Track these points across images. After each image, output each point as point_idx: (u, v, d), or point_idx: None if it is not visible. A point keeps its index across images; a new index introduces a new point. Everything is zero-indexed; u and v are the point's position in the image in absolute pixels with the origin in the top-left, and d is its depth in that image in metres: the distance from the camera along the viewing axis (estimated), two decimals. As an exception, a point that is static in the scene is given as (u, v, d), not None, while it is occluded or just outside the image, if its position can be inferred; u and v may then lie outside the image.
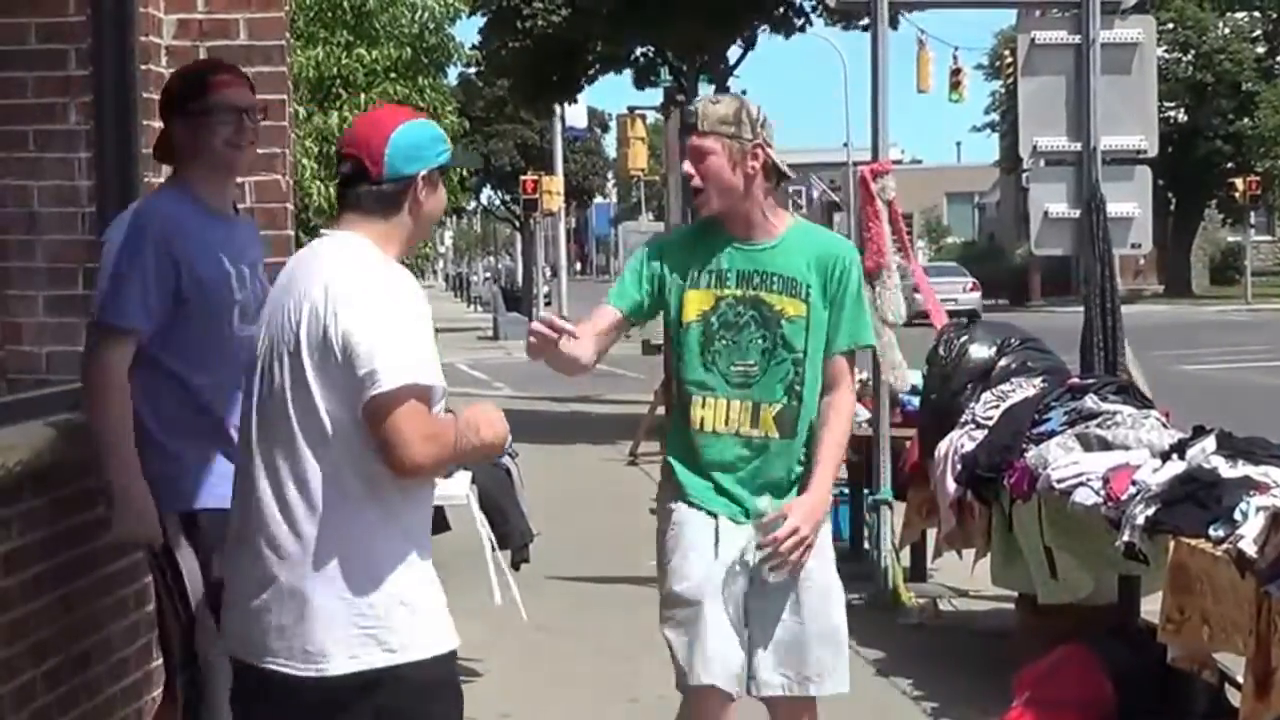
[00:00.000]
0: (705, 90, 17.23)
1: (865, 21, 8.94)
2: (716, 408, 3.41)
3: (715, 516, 3.43)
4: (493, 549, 5.44)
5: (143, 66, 3.98)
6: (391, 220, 2.67)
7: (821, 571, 3.45)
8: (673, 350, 3.48)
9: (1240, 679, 4.30)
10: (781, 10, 15.90)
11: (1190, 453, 4.37)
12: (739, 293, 3.43)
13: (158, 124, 4.07)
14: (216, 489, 3.18)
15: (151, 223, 3.24)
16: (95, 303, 3.29)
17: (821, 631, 3.43)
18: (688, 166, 3.42)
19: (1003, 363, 6.07)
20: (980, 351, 6.12)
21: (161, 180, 4.07)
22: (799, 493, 3.42)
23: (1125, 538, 4.35)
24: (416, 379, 2.53)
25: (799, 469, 3.45)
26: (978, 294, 33.95)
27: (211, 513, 3.17)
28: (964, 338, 6.23)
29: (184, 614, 3.27)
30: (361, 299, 2.55)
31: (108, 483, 3.22)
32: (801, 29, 16.50)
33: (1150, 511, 4.28)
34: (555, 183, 31.63)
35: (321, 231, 2.78)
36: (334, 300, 2.55)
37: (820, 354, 3.44)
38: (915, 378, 6.99)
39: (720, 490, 3.44)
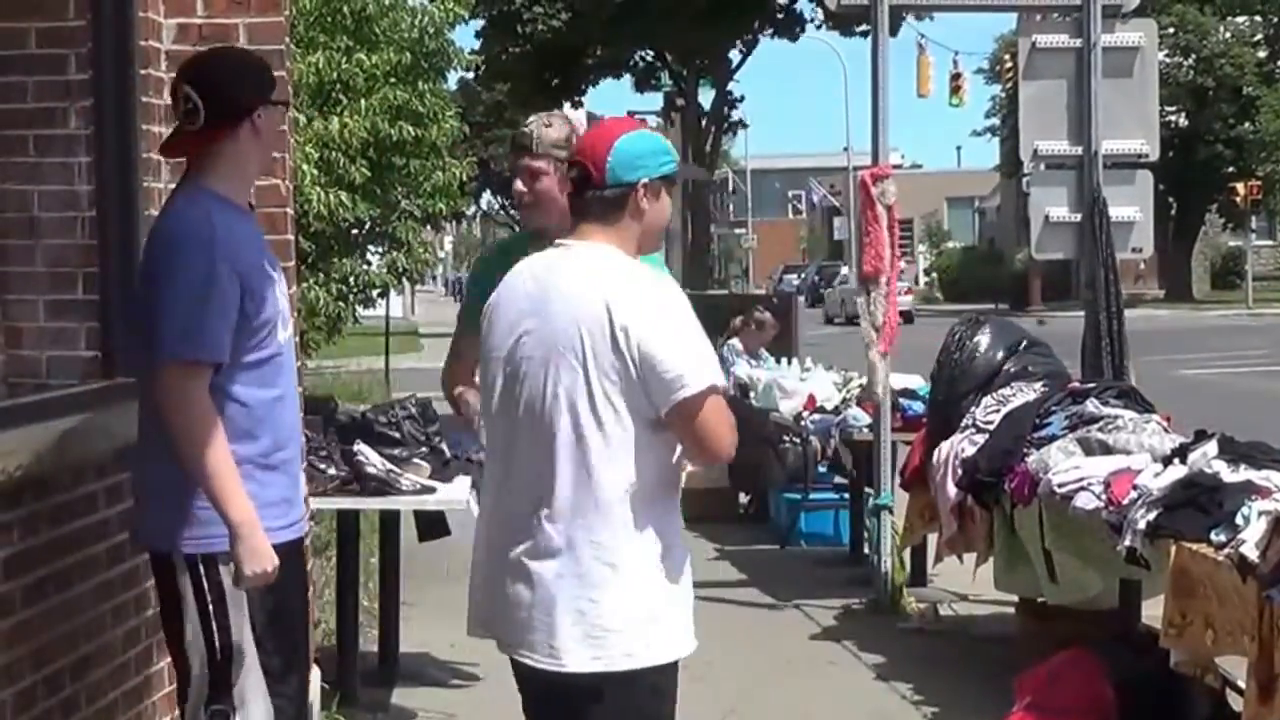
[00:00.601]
0: (706, 94, 17.29)
1: (865, 26, 8.94)
2: None
3: None
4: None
5: (142, 71, 3.98)
6: (618, 226, 2.82)
7: None
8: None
9: (1241, 683, 4.30)
10: (781, 15, 15.92)
11: (1192, 457, 4.37)
12: None
13: (158, 128, 4.08)
14: (277, 520, 3.13)
15: (217, 242, 3.03)
16: (168, 334, 3.01)
17: None
18: (520, 184, 3.64)
19: (1005, 367, 6.07)
20: (991, 354, 6.08)
21: (162, 185, 4.08)
22: None
23: (1127, 542, 4.35)
24: (715, 379, 2.75)
25: None
26: (910, 297, 34.70)
27: (281, 548, 3.12)
28: (976, 338, 6.17)
29: (221, 646, 3.13)
30: (649, 311, 2.73)
31: (230, 523, 3.04)
32: (801, 33, 16.52)
33: (1152, 516, 4.28)
34: (555, 187, 31.59)
35: (559, 241, 2.88)
36: (622, 313, 2.71)
37: None
38: (908, 381, 6.98)
39: None
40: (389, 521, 5.79)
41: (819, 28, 16.64)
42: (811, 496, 8.63)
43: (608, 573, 2.72)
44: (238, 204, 3.17)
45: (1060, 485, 4.80)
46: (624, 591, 2.72)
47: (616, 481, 2.71)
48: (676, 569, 2.81)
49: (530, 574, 2.76)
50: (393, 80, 10.81)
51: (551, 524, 2.73)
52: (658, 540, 2.76)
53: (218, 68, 3.22)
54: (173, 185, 4.10)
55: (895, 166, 8.71)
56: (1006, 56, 29.89)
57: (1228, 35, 39.97)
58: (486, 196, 42.26)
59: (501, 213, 43.31)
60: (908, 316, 23.41)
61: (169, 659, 3.91)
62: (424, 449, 5.43)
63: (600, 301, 2.71)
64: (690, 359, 2.72)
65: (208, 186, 3.14)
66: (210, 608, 3.12)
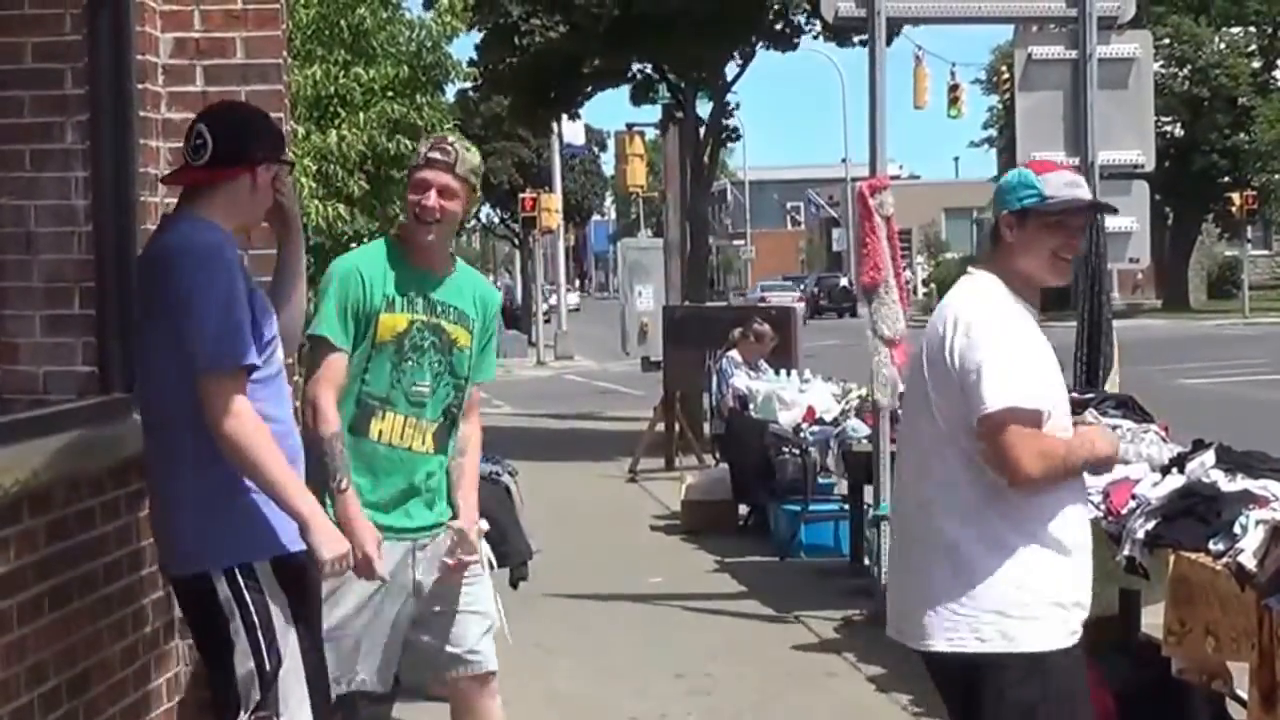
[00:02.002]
0: (704, 106, 17.30)
1: (862, 38, 8.96)
2: (394, 423, 3.69)
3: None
4: (491, 568, 5.42)
5: (139, 85, 3.98)
6: (998, 257, 3.12)
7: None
8: (357, 367, 3.67)
9: (1241, 692, 4.29)
10: (779, 27, 15.94)
11: (1189, 467, 4.36)
12: (425, 318, 3.73)
13: (155, 143, 4.08)
14: (289, 532, 3.15)
15: (227, 262, 3.13)
16: (203, 349, 3.06)
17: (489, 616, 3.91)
18: (433, 198, 3.67)
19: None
20: None
21: (159, 199, 4.08)
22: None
23: (1126, 552, 4.35)
24: (1018, 403, 2.95)
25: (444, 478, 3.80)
26: (803, 304, 35.29)
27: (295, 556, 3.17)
28: None
29: (271, 660, 3.15)
30: (976, 329, 3.00)
31: (300, 516, 3.12)
32: (796, 45, 16.54)
33: (1150, 526, 4.28)
34: (554, 200, 31.70)
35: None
36: (955, 328, 3.02)
37: (470, 383, 3.80)
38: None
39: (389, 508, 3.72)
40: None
41: (816, 38, 16.65)
42: (811, 508, 8.63)
43: (957, 562, 3.01)
44: (229, 230, 3.25)
45: (1059, 495, 4.79)
46: (976, 580, 3.02)
47: (962, 479, 3.02)
48: (1043, 558, 3.04)
49: (912, 563, 3.12)
50: (390, 94, 10.83)
51: (926, 517, 3.06)
52: (1023, 538, 3.02)
53: (235, 116, 3.40)
54: (171, 200, 4.11)
55: (893, 177, 8.74)
56: (1004, 68, 29.95)
57: (1223, 46, 40.04)
58: (486, 209, 42.34)
59: (501, 225, 43.36)
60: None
61: (167, 675, 3.91)
62: (422, 462, 5.41)
63: (952, 315, 3.06)
64: (994, 380, 2.96)
65: (203, 215, 3.22)
66: (254, 616, 3.14)
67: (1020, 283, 3.07)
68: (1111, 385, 6.59)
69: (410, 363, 3.70)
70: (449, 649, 3.85)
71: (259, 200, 3.28)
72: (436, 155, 3.71)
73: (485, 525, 3.97)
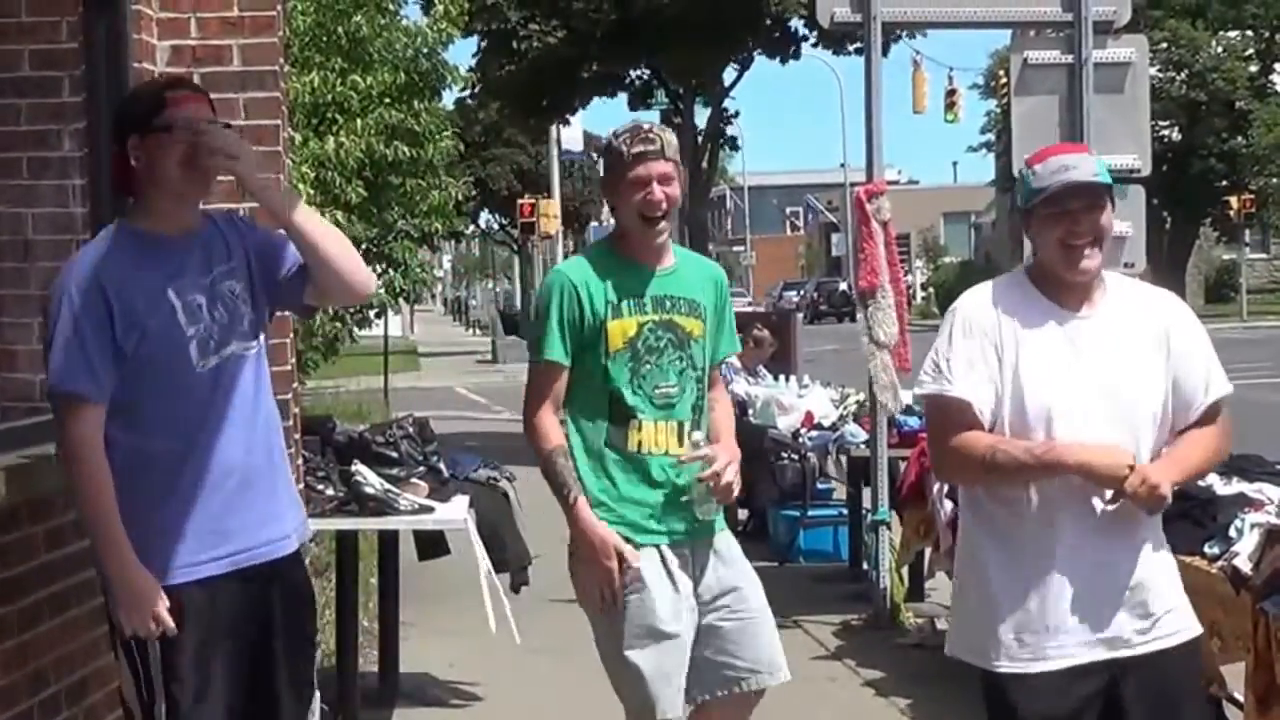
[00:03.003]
0: (701, 112, 17.33)
1: (858, 46, 8.96)
2: (649, 430, 3.53)
3: (657, 546, 3.54)
4: (488, 573, 5.43)
5: (137, 93, 3.99)
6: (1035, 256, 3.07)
7: (749, 574, 3.70)
8: (597, 380, 3.52)
9: (1237, 695, 4.29)
10: (776, 34, 15.96)
11: (1186, 470, 4.35)
12: (655, 317, 3.55)
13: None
14: (195, 555, 2.95)
15: (78, 274, 2.93)
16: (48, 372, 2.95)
17: (771, 627, 3.66)
18: (657, 190, 3.46)
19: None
20: None
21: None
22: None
23: (1122, 556, 4.34)
24: (938, 392, 2.94)
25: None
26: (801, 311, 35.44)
27: (184, 587, 2.93)
28: None
29: (145, 698, 2.95)
30: (944, 320, 3.03)
31: (100, 573, 2.94)
32: (795, 55, 16.56)
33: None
34: (552, 206, 31.70)
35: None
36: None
37: (709, 369, 3.67)
38: (909, 398, 6.98)
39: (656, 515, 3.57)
40: (388, 541, 5.79)
41: (814, 45, 16.64)
42: (810, 513, 8.62)
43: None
44: (151, 230, 3.00)
45: (1056, 499, 4.79)
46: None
47: None
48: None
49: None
50: (388, 100, 10.84)
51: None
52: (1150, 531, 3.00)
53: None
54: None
55: (891, 182, 8.75)
56: (1001, 72, 29.97)
57: (1220, 50, 40.06)
58: (485, 215, 42.33)
59: (500, 231, 43.36)
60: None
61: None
62: (421, 468, 5.43)
63: None
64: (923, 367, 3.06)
65: (126, 218, 3.07)
66: (139, 665, 2.95)
67: (1048, 281, 2.93)
68: None
69: (649, 366, 3.53)
70: (738, 661, 3.59)
71: (157, 173, 2.97)
72: (643, 147, 3.47)
73: (731, 473, 3.56)
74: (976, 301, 2.97)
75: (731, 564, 3.64)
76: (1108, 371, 2.87)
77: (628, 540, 3.51)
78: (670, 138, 3.54)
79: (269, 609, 3.05)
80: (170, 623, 2.88)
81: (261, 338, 3.12)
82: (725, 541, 3.67)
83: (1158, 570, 2.96)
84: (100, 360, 2.88)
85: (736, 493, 3.59)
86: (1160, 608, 2.94)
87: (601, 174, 3.67)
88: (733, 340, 3.74)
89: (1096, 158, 2.99)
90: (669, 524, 3.55)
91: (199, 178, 3.01)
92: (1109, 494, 2.84)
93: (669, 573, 3.53)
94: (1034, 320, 2.90)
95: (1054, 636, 2.86)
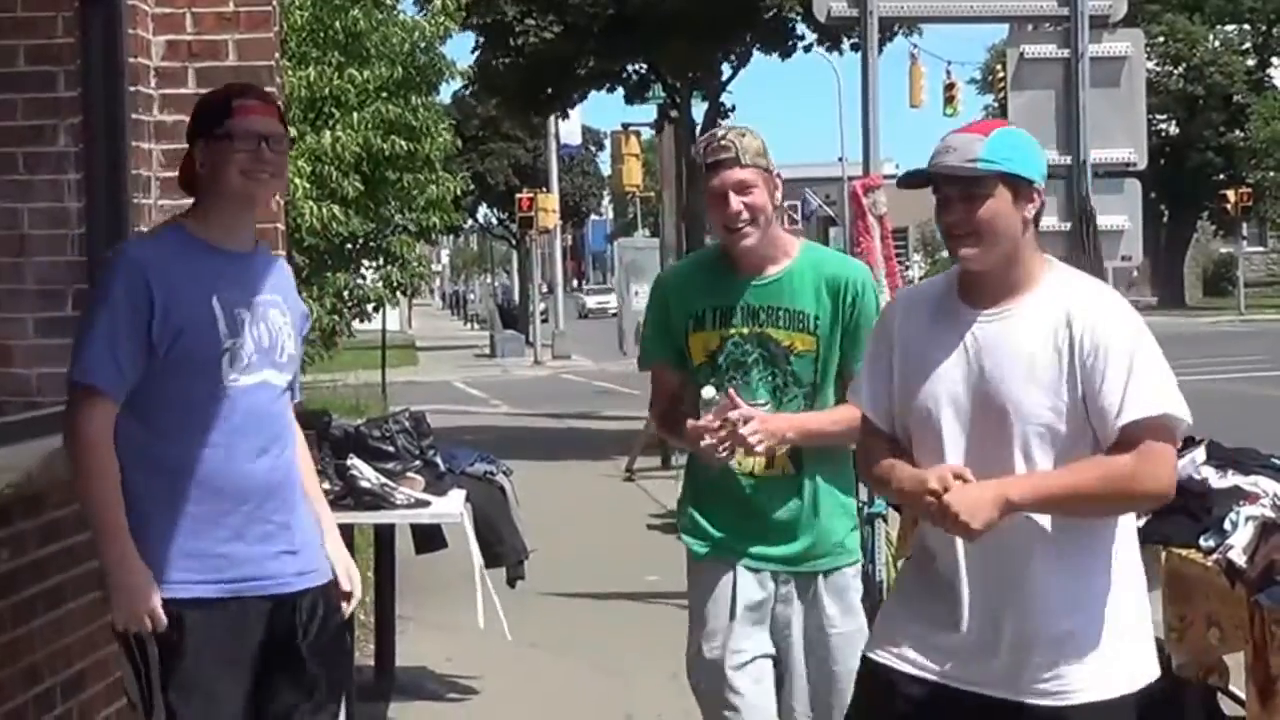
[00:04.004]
0: (699, 107, 17.31)
1: (854, 42, 8.96)
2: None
3: (733, 566, 3.37)
4: (482, 569, 5.43)
5: (131, 88, 3.99)
6: None
7: (845, 620, 3.39)
8: (691, 395, 3.35)
9: (1234, 689, 4.30)
10: (770, 20, 15.91)
11: (1180, 463, 4.35)
12: (744, 330, 3.35)
13: (148, 145, 4.09)
14: (187, 574, 2.88)
15: (126, 265, 2.93)
16: (72, 358, 2.93)
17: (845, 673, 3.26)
18: (734, 202, 3.28)
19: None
20: None
21: (152, 201, 4.09)
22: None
23: (1117, 549, 4.35)
24: (860, 403, 2.79)
25: (830, 505, 3.37)
26: None
27: (180, 604, 2.85)
28: None
29: (145, 696, 2.89)
30: None
31: (106, 571, 2.87)
32: (791, 51, 16.54)
33: (1141, 523, 4.28)
34: (550, 200, 31.68)
35: None
36: None
37: (832, 383, 3.36)
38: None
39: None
40: (384, 535, 5.79)
41: (808, 50, 16.65)
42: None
43: None
44: (207, 239, 2.97)
45: (1052, 493, 4.80)
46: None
47: None
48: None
49: None
50: (385, 95, 10.84)
51: None
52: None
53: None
54: (163, 202, 4.12)
55: (888, 176, 8.74)
56: (998, 67, 29.98)
57: (1217, 44, 40.10)
58: (483, 210, 42.32)
59: (498, 226, 43.34)
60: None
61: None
62: (418, 462, 5.43)
63: None
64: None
65: (183, 217, 3.06)
66: (135, 653, 2.89)
67: (962, 275, 2.69)
68: None
69: (736, 382, 3.30)
70: (796, 707, 3.36)
71: (219, 181, 2.94)
72: (716, 156, 3.31)
73: (749, 429, 3.23)
74: (894, 302, 2.85)
75: (832, 619, 3.35)
76: (996, 379, 2.58)
77: (708, 555, 3.35)
78: (749, 142, 3.33)
79: (283, 644, 2.96)
80: (163, 620, 2.83)
81: (293, 381, 3.07)
82: (840, 586, 3.38)
83: (1076, 613, 2.58)
84: (128, 358, 2.86)
85: (754, 451, 3.25)
86: (1060, 658, 2.57)
87: None
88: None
89: (1001, 138, 2.64)
90: (750, 546, 3.34)
91: (253, 187, 2.98)
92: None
93: (734, 596, 3.33)
94: (935, 320, 2.67)
95: (936, 653, 2.64)
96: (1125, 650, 2.62)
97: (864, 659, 2.75)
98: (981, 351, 2.60)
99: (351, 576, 3.16)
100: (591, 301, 56.41)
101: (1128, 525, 2.68)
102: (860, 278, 3.40)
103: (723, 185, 3.30)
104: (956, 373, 2.61)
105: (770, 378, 3.34)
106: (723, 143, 3.33)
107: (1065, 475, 2.55)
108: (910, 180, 2.71)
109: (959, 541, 2.58)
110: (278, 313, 3.02)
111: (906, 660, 2.66)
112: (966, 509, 2.51)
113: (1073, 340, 2.57)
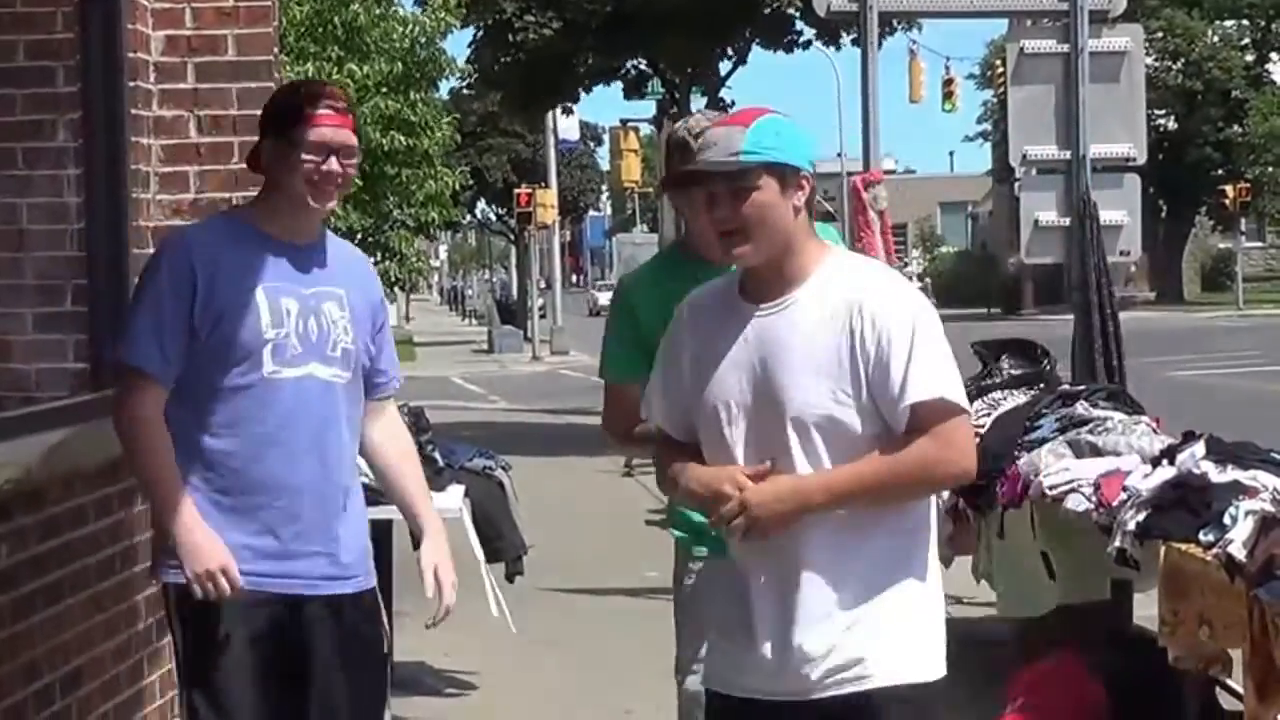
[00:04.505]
0: (698, 103, 17.29)
1: (854, 38, 8.96)
2: None
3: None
4: (483, 563, 5.43)
5: (131, 83, 3.99)
6: None
7: None
8: None
9: (1233, 683, 4.31)
10: (769, 13, 15.90)
11: (1180, 458, 4.37)
12: None
13: (147, 140, 4.09)
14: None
15: (171, 247, 2.94)
16: (118, 339, 2.97)
17: None
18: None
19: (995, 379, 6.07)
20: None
21: (150, 196, 4.09)
22: None
23: (1117, 544, 4.36)
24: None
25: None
26: None
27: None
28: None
29: (182, 699, 2.91)
30: None
31: (167, 532, 2.83)
32: (790, 48, 16.55)
33: (1141, 517, 4.29)
34: (549, 196, 31.69)
35: None
36: None
37: None
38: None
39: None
40: (382, 530, 5.79)
41: (807, 46, 16.65)
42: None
43: None
44: (263, 230, 2.94)
45: (1051, 487, 4.81)
46: None
47: None
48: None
49: None
50: (384, 90, 10.85)
51: None
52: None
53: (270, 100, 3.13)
54: (161, 196, 4.12)
55: (888, 172, 8.78)
56: (997, 62, 29.99)
57: (1216, 39, 40.10)
58: (481, 205, 42.32)
59: (497, 221, 43.33)
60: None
61: (160, 672, 3.91)
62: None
63: None
64: None
65: (236, 209, 3.05)
66: (179, 642, 2.90)
67: (741, 270, 2.60)
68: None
69: None
70: None
71: (282, 183, 2.91)
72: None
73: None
74: (683, 307, 2.70)
75: None
76: (774, 373, 2.51)
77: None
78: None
79: (305, 647, 2.91)
80: (238, 578, 2.80)
81: (355, 375, 2.98)
82: None
83: (861, 602, 2.51)
84: (172, 342, 2.84)
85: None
86: (848, 646, 2.51)
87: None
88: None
89: (763, 127, 2.53)
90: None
91: (322, 197, 2.93)
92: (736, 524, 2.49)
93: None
94: (720, 320, 2.59)
95: (738, 669, 2.59)
96: (920, 636, 2.56)
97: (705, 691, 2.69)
98: (761, 346, 2.54)
99: (441, 580, 3.11)
100: (603, 298, 56.42)
101: (919, 512, 2.60)
102: (831, 235, 3.30)
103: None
104: (739, 371, 2.55)
105: None
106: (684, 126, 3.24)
107: (864, 469, 2.49)
108: (676, 181, 2.60)
109: (749, 556, 2.53)
110: (335, 306, 2.95)
111: (719, 681, 2.62)
112: (766, 509, 2.46)
113: (854, 327, 2.50)
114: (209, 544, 2.81)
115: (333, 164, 2.89)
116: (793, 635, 2.52)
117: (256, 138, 3.00)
